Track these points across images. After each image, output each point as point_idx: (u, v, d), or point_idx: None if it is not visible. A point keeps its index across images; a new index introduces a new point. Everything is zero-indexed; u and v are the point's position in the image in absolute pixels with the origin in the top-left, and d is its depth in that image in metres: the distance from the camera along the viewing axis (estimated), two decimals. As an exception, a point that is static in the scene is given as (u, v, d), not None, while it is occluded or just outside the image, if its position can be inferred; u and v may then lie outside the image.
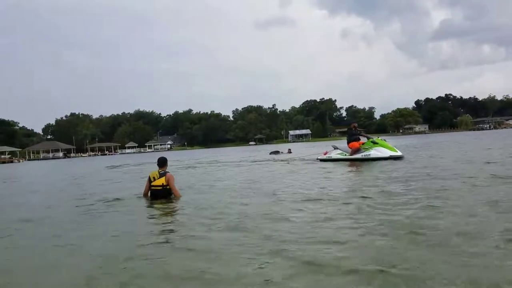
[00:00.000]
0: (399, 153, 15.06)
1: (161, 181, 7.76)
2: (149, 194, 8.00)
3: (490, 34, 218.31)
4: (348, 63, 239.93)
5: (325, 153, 17.51)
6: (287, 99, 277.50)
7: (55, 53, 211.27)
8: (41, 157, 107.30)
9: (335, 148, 17.13)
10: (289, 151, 29.68)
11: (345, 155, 16.05)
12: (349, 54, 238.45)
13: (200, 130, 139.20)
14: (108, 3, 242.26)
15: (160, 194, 7.74)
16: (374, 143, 15.36)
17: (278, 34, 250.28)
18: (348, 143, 16.12)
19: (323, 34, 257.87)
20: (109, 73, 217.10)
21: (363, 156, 15.19)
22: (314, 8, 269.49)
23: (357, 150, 15.64)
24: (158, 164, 8.12)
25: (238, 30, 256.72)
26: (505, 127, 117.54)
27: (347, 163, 14.96)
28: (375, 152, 15.02)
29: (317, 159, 17.61)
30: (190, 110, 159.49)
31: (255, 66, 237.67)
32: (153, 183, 7.84)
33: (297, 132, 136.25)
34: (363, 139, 16.15)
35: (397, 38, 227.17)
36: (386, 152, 14.89)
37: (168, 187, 7.76)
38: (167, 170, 8.08)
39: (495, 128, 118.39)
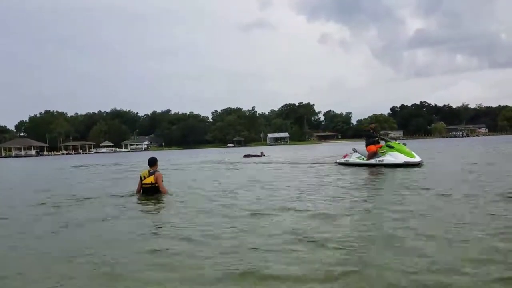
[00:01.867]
0: (416, 159, 13.80)
1: (150, 179, 8.57)
2: (141, 191, 8.76)
3: (463, 44, 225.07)
4: (326, 68, 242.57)
5: (345, 156, 16.72)
6: (266, 102, 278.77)
7: (31, 49, 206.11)
8: (13, 154, 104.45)
9: (355, 151, 16.19)
10: (262, 154, 29.82)
11: (363, 159, 15.11)
12: (327, 59, 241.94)
13: (178, 131, 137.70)
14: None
15: (150, 191, 8.55)
16: (390, 147, 14.18)
17: (258, 38, 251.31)
18: (366, 146, 15.15)
19: (302, 38, 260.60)
20: (86, 71, 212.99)
21: (377, 162, 14.20)
22: (293, 13, 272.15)
23: (374, 155, 14.62)
24: (148, 164, 8.87)
25: (219, 31, 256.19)
26: (477, 135, 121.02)
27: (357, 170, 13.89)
28: (389, 158, 13.94)
29: (336, 162, 16.98)
30: (168, 111, 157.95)
31: (235, 69, 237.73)
32: (143, 181, 8.66)
33: (276, 135, 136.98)
34: (382, 142, 15.01)
35: (374, 45, 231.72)
36: (401, 158, 13.70)
37: (156, 185, 8.54)
38: (157, 170, 8.81)
39: (467, 135, 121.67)
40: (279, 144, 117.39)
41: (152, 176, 8.58)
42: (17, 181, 17.54)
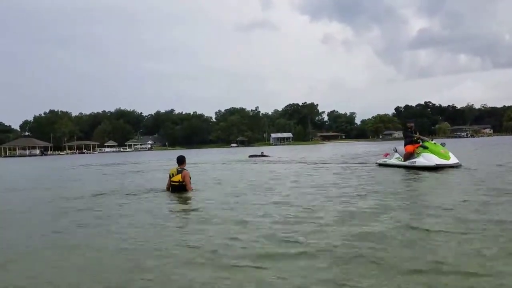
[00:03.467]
0: (452, 162, 12.64)
1: (178, 177, 8.78)
2: (170, 189, 9.01)
3: (467, 44, 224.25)
4: (330, 68, 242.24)
5: (386, 155, 16.01)
6: (270, 102, 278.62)
7: (35, 48, 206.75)
8: (17, 154, 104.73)
9: (395, 151, 15.23)
10: (263, 154, 30.17)
11: (401, 160, 14.24)
12: (330, 59, 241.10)
13: (182, 131, 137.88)
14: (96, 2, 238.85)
15: (178, 189, 8.77)
16: (424, 147, 13.13)
17: (261, 38, 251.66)
18: (404, 146, 14.19)
19: (305, 39, 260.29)
20: (91, 71, 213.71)
21: (410, 164, 13.33)
22: (296, 13, 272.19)
23: (409, 156, 13.67)
24: (177, 162, 9.06)
25: (221, 32, 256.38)
26: (481, 136, 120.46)
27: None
28: (421, 160, 12.92)
29: (376, 163, 16.19)
30: (172, 110, 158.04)
31: (239, 69, 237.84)
32: (172, 179, 8.87)
33: (279, 135, 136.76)
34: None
35: (377, 45, 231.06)
36: (433, 160, 12.56)
37: (184, 183, 8.73)
38: (184, 168, 8.98)
39: (472, 136, 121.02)
40: (283, 144, 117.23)
41: (180, 174, 8.77)
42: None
